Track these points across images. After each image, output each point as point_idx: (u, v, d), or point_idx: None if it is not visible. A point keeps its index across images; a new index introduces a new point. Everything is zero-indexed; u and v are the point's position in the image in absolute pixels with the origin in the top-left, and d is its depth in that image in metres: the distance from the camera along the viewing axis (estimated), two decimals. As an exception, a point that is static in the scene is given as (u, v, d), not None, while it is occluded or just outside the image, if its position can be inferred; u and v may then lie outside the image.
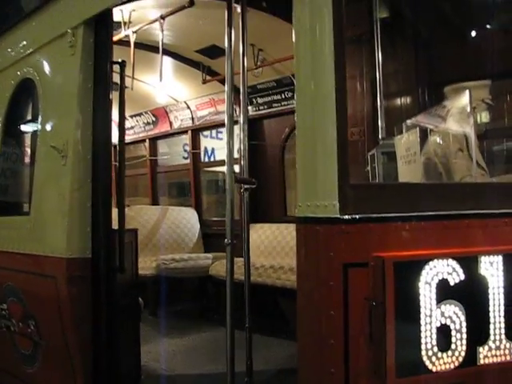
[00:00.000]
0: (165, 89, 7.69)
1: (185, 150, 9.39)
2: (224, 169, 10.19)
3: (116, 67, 3.89)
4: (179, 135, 8.88)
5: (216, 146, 8.77)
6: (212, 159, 8.92)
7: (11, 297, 4.41)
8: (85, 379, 3.69)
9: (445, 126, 3.80)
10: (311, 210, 2.37)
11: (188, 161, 8.73)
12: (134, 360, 4.29)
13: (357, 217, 2.35)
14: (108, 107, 3.78)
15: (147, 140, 9.10)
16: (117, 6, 3.76)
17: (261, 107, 7.28)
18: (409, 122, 4.12)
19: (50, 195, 3.98)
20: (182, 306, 7.26)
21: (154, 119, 8.79)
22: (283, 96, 7.00)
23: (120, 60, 3.93)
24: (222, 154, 8.48)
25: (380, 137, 4.27)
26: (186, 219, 8.02)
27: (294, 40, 2.67)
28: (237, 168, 8.50)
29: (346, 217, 2.32)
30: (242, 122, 4.15)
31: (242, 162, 4.23)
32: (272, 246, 7.06)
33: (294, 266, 5.94)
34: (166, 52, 6.32)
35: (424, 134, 3.90)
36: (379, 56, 4.33)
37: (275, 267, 6.17)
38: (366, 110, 5.33)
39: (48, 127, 4.11)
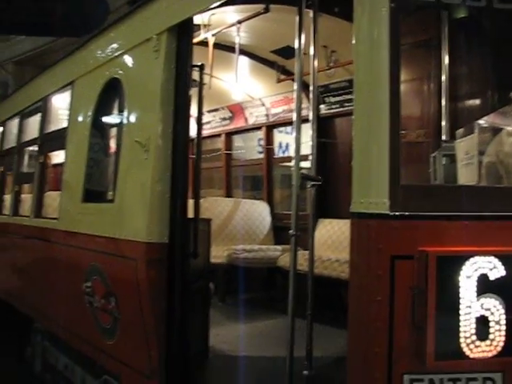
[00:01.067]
0: (241, 86, 8.04)
1: (259, 145, 9.73)
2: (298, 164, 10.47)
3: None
4: (254, 131, 9.22)
5: (290, 141, 9.05)
6: (286, 154, 9.21)
7: (95, 276, 4.87)
8: (158, 354, 4.08)
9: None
10: (364, 207, 2.64)
11: (261, 155, 9.07)
12: (203, 340, 4.64)
13: (405, 214, 2.60)
14: (187, 106, 4.16)
15: (223, 134, 9.49)
16: (198, 13, 4.13)
17: (333, 106, 7.50)
18: (480, 121, 4.25)
19: (132, 185, 4.41)
20: (250, 295, 7.59)
21: (230, 115, 9.17)
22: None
23: (199, 63, 4.30)
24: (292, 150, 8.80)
25: (443, 139, 4.46)
26: (258, 212, 8.36)
27: (353, 45, 2.93)
28: (308, 164, 8.87)
29: (396, 213, 2.57)
30: (311, 120, 4.38)
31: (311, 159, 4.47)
32: (339, 241, 7.28)
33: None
34: (243, 52, 6.65)
35: (488, 137, 4.04)
36: (446, 59, 4.52)
37: (341, 261, 6.40)
38: (433, 112, 5.48)
39: (132, 123, 4.53)
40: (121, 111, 4.92)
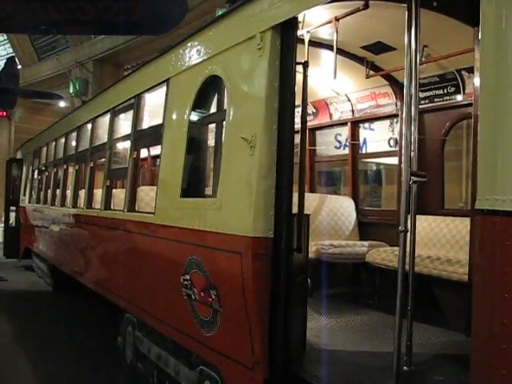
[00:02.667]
0: (328, 82, 8.04)
1: (337, 141, 9.71)
2: (380, 160, 10.38)
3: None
4: (338, 127, 9.19)
5: (368, 137, 8.99)
6: (363, 151, 9.17)
7: (195, 269, 5.00)
8: (262, 345, 4.17)
9: None
10: (490, 204, 2.61)
11: (346, 151, 9.05)
12: (301, 334, 4.69)
13: (533, 211, 2.56)
14: (292, 103, 4.23)
15: (307, 130, 9.51)
16: (305, 11, 4.18)
17: (422, 101, 7.41)
18: None
19: (237, 180, 4.49)
20: (337, 290, 7.60)
21: (314, 110, 9.19)
22: (445, 91, 7.11)
23: (303, 60, 4.35)
24: (373, 146, 8.74)
25: None
26: (344, 207, 8.36)
27: (480, 36, 2.90)
28: (394, 160, 8.81)
29: (522, 211, 2.55)
30: (413, 116, 4.32)
31: (412, 155, 4.43)
32: (428, 238, 7.20)
33: (450, 257, 6.19)
34: (332, 48, 6.66)
35: None
36: None
37: (432, 258, 6.34)
38: None
39: (236, 119, 4.62)
40: (222, 108, 5.03)
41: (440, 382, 4.19)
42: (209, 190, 5.39)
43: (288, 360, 4.26)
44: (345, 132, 9.15)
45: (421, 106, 7.39)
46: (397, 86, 7.55)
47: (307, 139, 9.46)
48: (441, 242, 7.02)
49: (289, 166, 4.20)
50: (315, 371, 4.28)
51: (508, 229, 2.53)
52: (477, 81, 5.61)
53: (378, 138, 8.78)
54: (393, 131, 8.44)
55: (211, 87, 5.23)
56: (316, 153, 9.65)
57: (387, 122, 8.26)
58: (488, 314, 2.63)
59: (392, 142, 8.30)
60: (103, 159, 8.72)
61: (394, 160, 9.62)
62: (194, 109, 5.43)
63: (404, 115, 4.14)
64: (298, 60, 4.35)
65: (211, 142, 5.45)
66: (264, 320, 4.15)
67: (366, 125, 8.88)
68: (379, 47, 6.76)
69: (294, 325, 4.40)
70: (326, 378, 4.15)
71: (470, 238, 2.88)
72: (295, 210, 4.37)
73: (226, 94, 4.86)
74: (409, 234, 3.86)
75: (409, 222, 4.11)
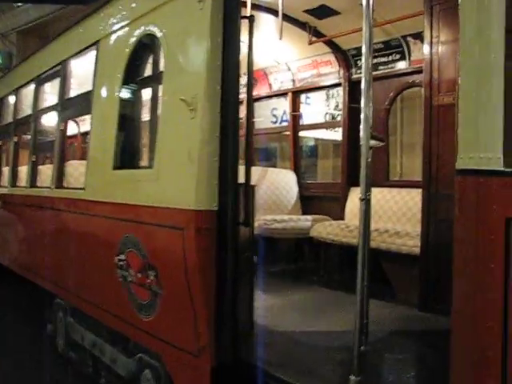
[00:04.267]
0: (267, 50, 7.65)
1: (273, 115, 9.37)
2: (318, 133, 10.03)
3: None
4: (276, 98, 8.82)
5: (306, 109, 8.68)
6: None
7: (130, 248, 4.55)
8: (208, 329, 3.78)
9: None
10: (474, 162, 2.30)
11: (277, 125, 8.73)
12: (249, 315, 4.35)
13: (521, 170, 2.26)
14: (237, 62, 3.81)
15: (244, 101, 9.09)
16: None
17: (366, 69, 7.13)
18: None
19: (176, 148, 4.03)
20: (281, 267, 7.32)
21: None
22: (390, 58, 6.84)
23: (249, 14, 3.93)
24: (309, 119, 8.44)
25: None
26: (285, 181, 8.04)
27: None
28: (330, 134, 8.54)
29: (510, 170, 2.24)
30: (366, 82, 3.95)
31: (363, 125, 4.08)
32: (374, 210, 6.94)
33: (399, 229, 5.94)
34: (272, 11, 6.25)
35: None
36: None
37: (380, 231, 6.10)
38: None
39: (175, 81, 4.16)
40: (158, 70, 4.56)
41: (400, 361, 3.92)
42: (145, 161, 4.91)
43: (236, 345, 3.90)
44: (281, 106, 8.81)
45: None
46: (340, 53, 7.24)
47: (246, 110, 9.13)
48: (387, 214, 6.80)
49: (234, 130, 3.78)
50: (266, 355, 3.94)
51: (495, 191, 2.24)
52: (426, 48, 5.36)
53: (316, 110, 8.50)
54: (331, 101, 8.18)
55: (146, 48, 4.75)
56: (254, 126, 9.27)
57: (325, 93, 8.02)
58: (471, 288, 2.34)
59: (331, 112, 8.05)
60: (28, 133, 8.06)
61: (329, 134, 9.42)
62: (127, 72, 4.92)
63: (362, 82, 3.79)
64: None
65: (147, 107, 4.96)
66: (209, 302, 3.76)
67: (303, 99, 8.53)
68: (323, 11, 6.41)
69: (241, 306, 4.03)
70: (279, 362, 3.81)
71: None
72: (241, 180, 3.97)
73: (162, 54, 4.39)
74: (363, 204, 3.51)
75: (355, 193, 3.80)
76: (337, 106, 8.02)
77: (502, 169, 2.21)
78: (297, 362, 3.86)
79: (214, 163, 3.70)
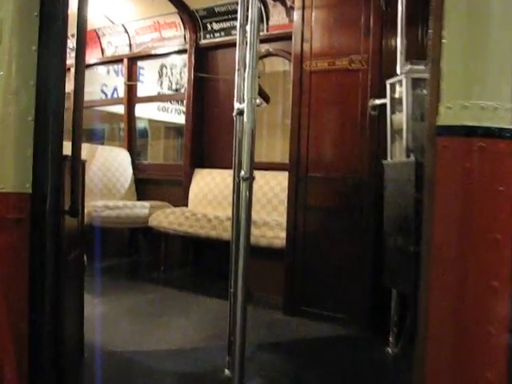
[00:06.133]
0: (101, 7, 6.46)
1: (103, 92, 8.23)
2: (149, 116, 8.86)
3: None
4: (112, 64, 7.64)
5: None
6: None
7: None
8: (16, 363, 2.63)
9: None
10: (471, 116, 1.45)
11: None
12: (78, 333, 3.28)
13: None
14: (64, 17, 2.66)
15: (72, 69, 7.77)
16: None
17: (216, 34, 6.22)
18: None
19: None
20: (115, 261, 6.24)
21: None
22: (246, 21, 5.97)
23: None
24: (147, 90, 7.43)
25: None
26: (118, 161, 6.90)
27: None
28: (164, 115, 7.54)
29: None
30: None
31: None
32: (223, 195, 6.11)
33: (268, 219, 5.10)
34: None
35: None
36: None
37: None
38: None
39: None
40: None
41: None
42: None
43: (60, 378, 2.79)
44: (111, 82, 7.66)
45: (215, 40, 6.21)
46: (187, 14, 6.24)
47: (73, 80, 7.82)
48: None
49: (58, 80, 2.64)
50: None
51: (503, 162, 1.42)
52: (297, 12, 4.55)
53: (154, 80, 7.50)
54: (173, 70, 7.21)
55: None
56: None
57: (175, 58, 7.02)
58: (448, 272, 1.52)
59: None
60: None
61: (163, 115, 8.47)
62: None
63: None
64: None
65: None
66: (20, 323, 2.61)
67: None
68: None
69: (67, 323, 2.93)
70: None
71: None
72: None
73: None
74: (245, 185, 2.57)
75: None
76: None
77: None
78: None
79: (26, 125, 2.53)
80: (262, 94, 3.21)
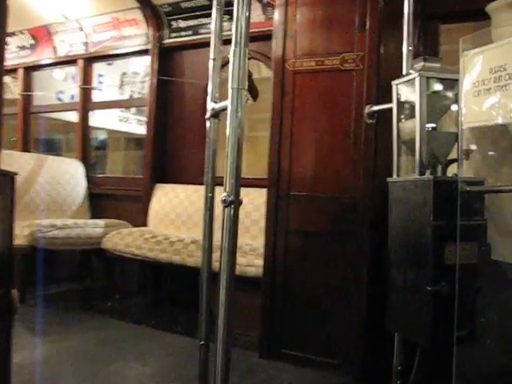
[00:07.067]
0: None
1: (58, 99, 7.46)
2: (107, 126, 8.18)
3: None
4: (66, 66, 6.88)
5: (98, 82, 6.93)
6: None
7: None
8: None
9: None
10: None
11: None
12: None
13: None
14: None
15: (20, 69, 7.01)
16: None
17: (183, 33, 5.55)
18: None
19: None
20: (62, 289, 5.48)
21: (32, 42, 6.73)
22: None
23: None
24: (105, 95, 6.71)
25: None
26: (70, 174, 6.14)
27: None
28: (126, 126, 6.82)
29: None
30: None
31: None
32: (188, 214, 5.41)
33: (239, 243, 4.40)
34: None
35: None
36: None
37: (199, 242, 4.57)
38: None
39: None
40: None
41: None
42: None
43: None
44: (68, 89, 6.91)
45: (181, 39, 5.55)
46: (150, 9, 5.56)
47: (22, 82, 7.05)
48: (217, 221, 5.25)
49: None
50: None
51: None
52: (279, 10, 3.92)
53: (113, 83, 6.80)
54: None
55: None
56: (33, 102, 7.22)
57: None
58: None
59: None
60: None
61: (124, 126, 7.80)
62: None
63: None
64: None
65: None
66: None
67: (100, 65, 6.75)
68: None
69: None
70: None
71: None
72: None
73: None
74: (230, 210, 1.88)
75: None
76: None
77: None
78: None
79: None
80: (251, 88, 2.57)
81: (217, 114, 2.62)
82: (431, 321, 2.54)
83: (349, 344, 3.48)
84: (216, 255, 3.86)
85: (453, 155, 2.80)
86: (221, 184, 1.98)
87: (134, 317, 4.65)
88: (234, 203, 1.81)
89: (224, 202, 1.81)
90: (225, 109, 2.36)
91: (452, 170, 2.76)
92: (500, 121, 2.27)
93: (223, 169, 1.94)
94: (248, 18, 1.91)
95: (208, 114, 2.60)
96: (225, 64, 2.78)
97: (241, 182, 1.92)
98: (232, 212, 1.83)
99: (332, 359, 3.52)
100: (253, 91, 2.85)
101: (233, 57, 1.90)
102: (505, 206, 2.85)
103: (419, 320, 2.63)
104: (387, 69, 3.46)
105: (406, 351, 3.06)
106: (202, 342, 2.56)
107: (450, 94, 2.79)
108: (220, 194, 2.65)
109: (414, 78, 2.76)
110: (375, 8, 3.52)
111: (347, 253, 3.50)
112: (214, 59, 2.60)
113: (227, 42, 2.16)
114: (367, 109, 3.44)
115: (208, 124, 2.64)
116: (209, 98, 2.64)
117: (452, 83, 2.77)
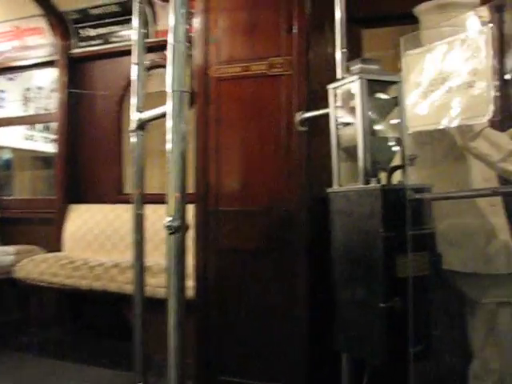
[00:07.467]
0: None
1: None
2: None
3: None
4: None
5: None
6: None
7: None
8: None
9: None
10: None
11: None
12: None
13: None
14: None
15: None
16: None
17: (92, 42, 5.22)
18: None
19: None
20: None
21: None
22: (128, 27, 5.01)
23: None
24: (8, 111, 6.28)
25: None
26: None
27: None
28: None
29: None
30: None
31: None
32: (106, 235, 5.07)
33: (150, 264, 4.14)
34: None
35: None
36: None
37: (121, 266, 4.27)
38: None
39: None
40: None
41: None
42: None
43: None
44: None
45: (91, 49, 5.22)
46: (56, 17, 5.19)
47: None
48: (125, 239, 4.94)
49: None
50: None
51: None
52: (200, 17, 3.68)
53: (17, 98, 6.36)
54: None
55: None
56: None
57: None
58: None
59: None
60: None
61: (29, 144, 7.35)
62: None
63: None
64: None
65: None
66: None
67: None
68: None
69: None
70: None
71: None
72: None
73: None
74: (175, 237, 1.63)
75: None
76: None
77: None
78: None
79: None
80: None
81: (142, 126, 2.37)
82: (385, 338, 2.38)
83: (291, 365, 3.27)
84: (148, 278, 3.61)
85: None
86: (149, 202, 1.74)
87: (53, 351, 4.27)
88: (181, 229, 1.55)
89: (169, 228, 1.54)
90: (156, 118, 2.12)
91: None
92: (447, 123, 2.13)
93: (151, 185, 1.70)
94: (186, 14, 1.68)
95: (133, 126, 2.33)
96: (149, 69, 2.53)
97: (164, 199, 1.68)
98: (179, 240, 1.57)
99: (275, 383, 3.30)
100: (192, 96, 2.60)
101: (172, 53, 1.65)
102: (450, 212, 2.74)
103: (372, 338, 2.46)
104: (317, 73, 3.31)
105: (353, 370, 2.88)
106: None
107: (390, 97, 2.65)
108: (150, 212, 2.38)
109: (353, 81, 2.60)
110: (302, 11, 3.36)
111: (284, 268, 3.30)
112: (137, 64, 2.34)
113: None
114: (298, 116, 3.26)
115: (133, 137, 2.37)
116: (133, 108, 2.38)
117: (392, 85, 2.64)
